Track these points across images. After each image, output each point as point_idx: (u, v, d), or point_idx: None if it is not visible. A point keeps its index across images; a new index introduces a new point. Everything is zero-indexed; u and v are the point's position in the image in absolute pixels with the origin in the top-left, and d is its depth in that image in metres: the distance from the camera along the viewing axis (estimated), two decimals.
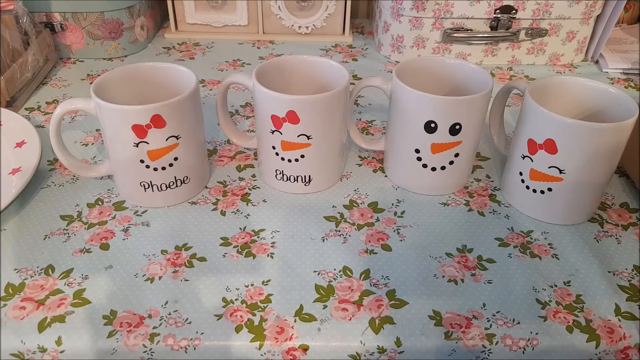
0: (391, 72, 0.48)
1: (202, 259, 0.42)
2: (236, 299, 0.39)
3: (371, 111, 0.63)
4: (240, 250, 0.43)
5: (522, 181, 0.46)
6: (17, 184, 0.46)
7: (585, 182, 0.44)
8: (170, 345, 0.36)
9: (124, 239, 0.44)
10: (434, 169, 0.48)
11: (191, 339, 0.36)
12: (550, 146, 0.43)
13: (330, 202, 0.49)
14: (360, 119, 0.62)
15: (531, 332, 0.37)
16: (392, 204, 0.49)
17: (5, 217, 0.46)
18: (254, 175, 0.52)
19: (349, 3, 0.78)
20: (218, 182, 0.51)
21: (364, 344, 0.37)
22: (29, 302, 0.39)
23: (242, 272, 0.41)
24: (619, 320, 0.38)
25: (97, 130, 0.58)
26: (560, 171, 0.43)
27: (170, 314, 0.38)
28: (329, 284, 0.40)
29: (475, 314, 0.38)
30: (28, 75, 0.64)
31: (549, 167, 0.43)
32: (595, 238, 0.45)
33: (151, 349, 0.36)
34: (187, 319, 0.37)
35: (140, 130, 0.42)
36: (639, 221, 0.47)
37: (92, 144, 0.56)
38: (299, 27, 0.80)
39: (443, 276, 0.41)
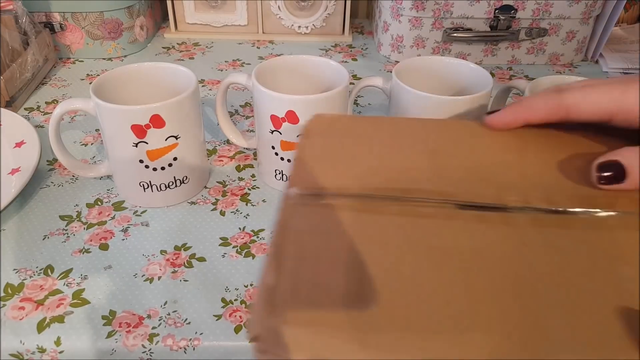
0: (391, 72, 0.48)
1: (202, 259, 0.42)
2: (235, 299, 0.39)
3: (371, 111, 0.63)
4: (239, 250, 0.43)
5: None
6: (17, 184, 0.46)
7: None
8: (170, 346, 0.36)
9: (123, 239, 0.44)
10: None
11: (190, 340, 0.36)
12: None
13: None
14: None
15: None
16: None
17: (4, 217, 0.46)
18: (253, 175, 0.52)
19: (348, 3, 0.78)
20: (217, 182, 0.51)
21: None
22: (28, 302, 0.38)
23: (241, 273, 0.41)
24: None
25: (96, 130, 0.58)
26: None
27: (169, 314, 0.38)
28: None
29: None
30: (27, 75, 0.64)
31: None
32: None
33: (150, 349, 0.36)
34: (186, 319, 0.37)
35: (139, 130, 0.42)
36: None
37: (92, 144, 0.56)
38: (299, 27, 0.79)
39: None
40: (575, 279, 0.22)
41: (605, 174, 0.25)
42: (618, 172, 0.25)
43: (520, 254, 0.23)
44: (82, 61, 0.74)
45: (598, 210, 0.25)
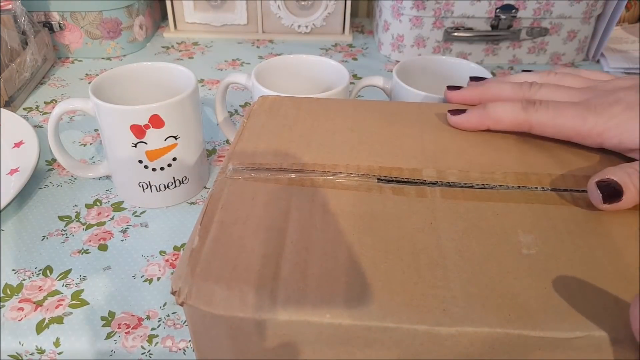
0: (391, 71, 0.48)
1: None
2: None
3: None
4: None
5: None
6: (16, 185, 0.46)
7: None
8: (169, 347, 0.36)
9: (122, 240, 0.44)
10: None
11: (189, 341, 0.36)
12: None
13: None
14: None
15: None
16: None
17: (3, 218, 0.46)
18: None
19: (349, 2, 0.77)
20: None
21: None
22: (27, 303, 0.38)
23: None
24: None
25: (95, 130, 0.58)
26: None
27: (168, 315, 0.38)
28: None
29: None
30: (26, 75, 0.64)
31: None
32: None
33: (149, 350, 0.36)
34: (185, 320, 0.37)
35: (138, 131, 0.42)
36: None
37: (91, 144, 0.56)
38: (299, 26, 0.79)
39: None
40: (477, 246, 0.24)
41: (605, 192, 0.26)
42: (615, 191, 0.26)
43: (429, 223, 0.25)
44: (81, 61, 0.74)
45: (504, 185, 0.28)
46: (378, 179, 0.28)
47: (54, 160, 0.53)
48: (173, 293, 0.22)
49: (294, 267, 0.22)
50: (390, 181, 0.28)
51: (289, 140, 0.31)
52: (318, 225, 0.25)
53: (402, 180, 0.28)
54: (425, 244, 0.24)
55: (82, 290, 0.39)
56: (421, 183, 0.28)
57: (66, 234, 0.44)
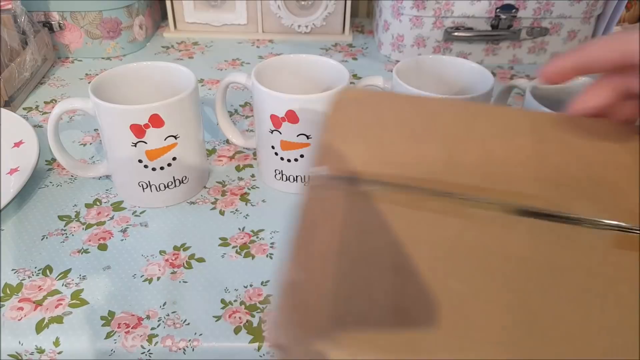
0: (391, 71, 0.48)
1: (201, 260, 0.42)
2: (235, 300, 0.39)
3: None
4: (239, 250, 0.43)
5: None
6: (15, 184, 0.46)
7: None
8: (169, 347, 0.36)
9: (122, 240, 0.44)
10: None
11: (189, 340, 0.36)
12: None
13: None
14: None
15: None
16: None
17: (3, 218, 0.46)
18: (253, 175, 0.52)
19: (349, 2, 0.77)
20: (217, 182, 0.51)
21: None
22: (26, 302, 0.38)
23: (240, 273, 0.41)
24: None
25: (95, 130, 0.58)
26: None
27: (168, 315, 0.38)
28: None
29: None
30: (26, 74, 0.64)
31: None
32: None
33: (149, 350, 0.36)
34: (185, 320, 0.37)
35: (138, 130, 0.42)
36: None
37: (91, 143, 0.56)
38: (299, 26, 0.79)
39: None
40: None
41: None
42: None
43: (603, 285, 0.18)
44: (80, 61, 0.74)
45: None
46: (515, 209, 0.21)
47: (54, 160, 0.53)
48: (274, 346, 0.17)
49: (438, 329, 0.17)
50: (531, 214, 0.21)
51: (389, 145, 0.25)
52: (454, 267, 0.19)
53: (549, 214, 0.21)
54: (593, 305, 0.18)
55: (81, 290, 0.39)
56: (576, 221, 0.21)
57: (66, 234, 0.44)
